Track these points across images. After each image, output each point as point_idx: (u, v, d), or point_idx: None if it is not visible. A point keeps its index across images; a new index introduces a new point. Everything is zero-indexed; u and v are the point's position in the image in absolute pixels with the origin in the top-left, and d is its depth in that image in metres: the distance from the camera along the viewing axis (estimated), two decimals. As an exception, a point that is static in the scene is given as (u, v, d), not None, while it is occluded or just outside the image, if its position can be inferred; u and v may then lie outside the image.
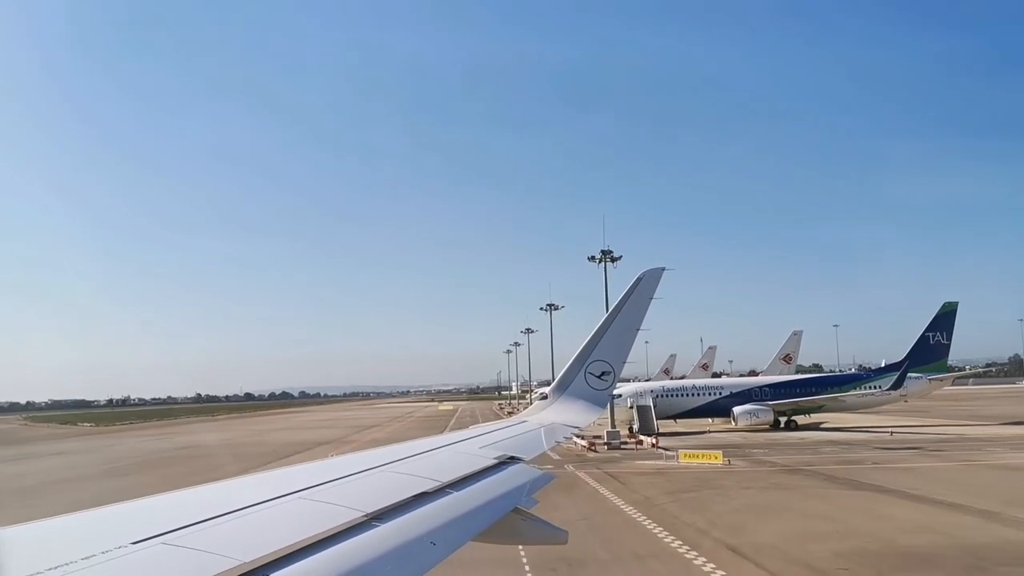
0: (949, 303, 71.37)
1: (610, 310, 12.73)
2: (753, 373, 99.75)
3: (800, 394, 68.54)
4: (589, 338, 12.41)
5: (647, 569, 19.88)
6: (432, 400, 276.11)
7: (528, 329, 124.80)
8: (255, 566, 3.39)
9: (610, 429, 55.25)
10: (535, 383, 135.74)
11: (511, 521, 5.90)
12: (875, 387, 68.63)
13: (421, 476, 5.76)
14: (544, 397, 13.28)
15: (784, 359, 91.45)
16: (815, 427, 66.34)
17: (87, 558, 3.18)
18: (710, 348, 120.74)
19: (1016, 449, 45.11)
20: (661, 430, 60.40)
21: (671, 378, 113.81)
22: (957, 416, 73.56)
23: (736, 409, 65.51)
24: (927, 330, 70.91)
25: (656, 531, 24.19)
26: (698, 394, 69.03)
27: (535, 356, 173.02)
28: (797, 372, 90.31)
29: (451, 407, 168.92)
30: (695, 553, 20.78)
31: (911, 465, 39.89)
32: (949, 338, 70.87)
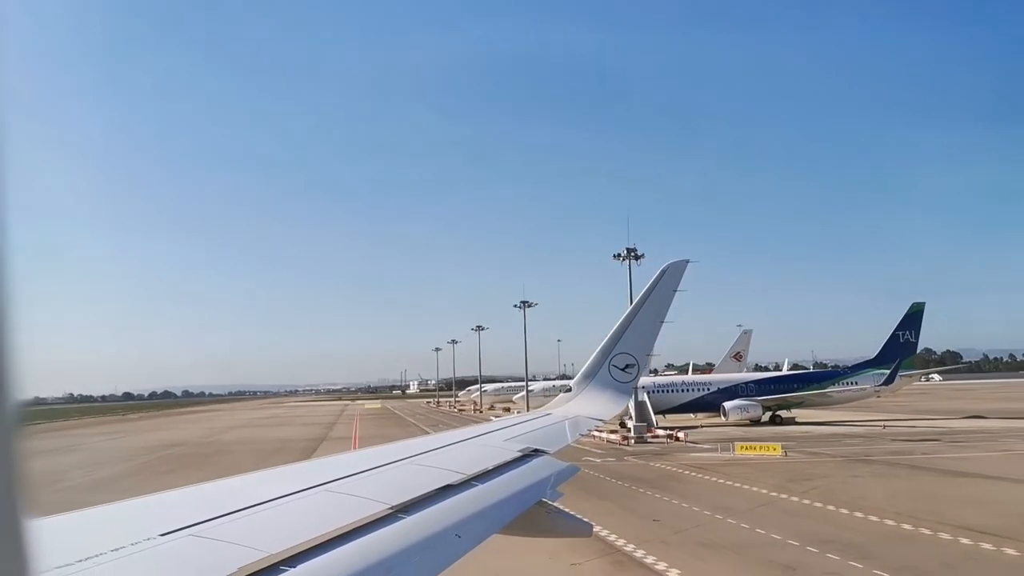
0: (917, 303, 73.89)
1: (634, 302, 12.66)
2: (708, 369, 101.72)
3: (784, 390, 70.27)
4: (613, 330, 12.35)
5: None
6: (339, 399, 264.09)
7: (479, 327, 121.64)
8: (282, 558, 3.41)
9: (636, 423, 55.22)
10: (499, 383, 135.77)
11: (536, 514, 5.89)
12: (852, 382, 71.03)
13: (446, 469, 5.76)
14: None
15: (735, 356, 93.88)
16: (803, 422, 66.43)
17: (116, 550, 3.21)
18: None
19: None
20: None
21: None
22: (923, 411, 74.93)
23: (727, 404, 66.36)
24: (897, 329, 73.46)
25: (842, 512, 25.01)
26: (687, 390, 70.22)
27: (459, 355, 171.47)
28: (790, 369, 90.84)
29: (378, 405, 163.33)
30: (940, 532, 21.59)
31: (961, 455, 40.27)
32: (917, 336, 73.83)
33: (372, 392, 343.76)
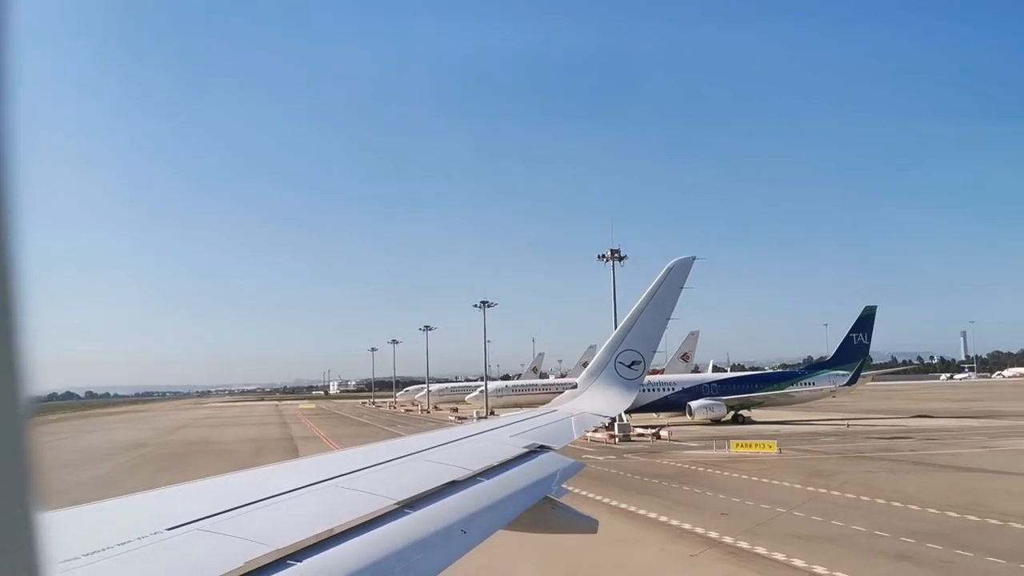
0: (869, 307, 76.42)
1: (640, 299, 12.63)
2: (655, 371, 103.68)
3: (746, 390, 71.82)
4: (619, 327, 12.33)
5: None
6: (261, 400, 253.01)
7: (427, 326, 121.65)
8: (288, 552, 3.41)
9: (621, 422, 55.45)
10: (465, 383, 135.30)
11: (541, 510, 5.89)
12: (810, 383, 73.50)
13: (452, 464, 5.77)
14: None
15: (682, 357, 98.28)
16: (762, 421, 67.32)
17: (123, 544, 3.22)
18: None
19: (994, 438, 47.28)
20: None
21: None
22: (868, 410, 76.20)
23: (693, 404, 67.26)
24: (851, 331, 75.73)
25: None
26: (654, 389, 70.63)
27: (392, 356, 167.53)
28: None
29: (313, 406, 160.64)
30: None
31: (950, 452, 41.09)
32: (869, 338, 75.69)
33: (290, 393, 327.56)
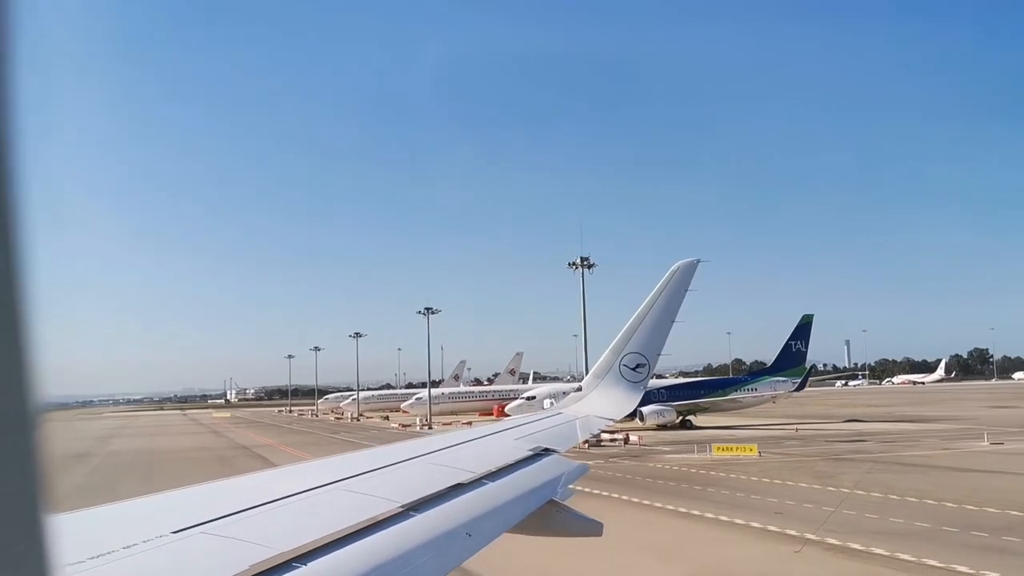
0: (807, 315, 79.22)
1: (645, 302, 12.63)
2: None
3: (693, 396, 73.23)
4: (624, 330, 12.32)
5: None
6: (160, 409, 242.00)
7: (357, 333, 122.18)
8: (293, 555, 3.42)
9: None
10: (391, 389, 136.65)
11: (546, 513, 5.88)
12: (752, 388, 75.87)
13: (456, 467, 5.77)
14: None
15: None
16: (707, 427, 68.33)
17: (128, 547, 3.23)
18: (517, 354, 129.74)
19: (947, 440, 49.92)
20: None
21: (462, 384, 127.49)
22: (799, 415, 77.21)
23: (645, 409, 67.60)
24: (789, 339, 78.28)
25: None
26: None
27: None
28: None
29: (227, 414, 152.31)
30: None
31: (922, 453, 43.09)
32: (806, 346, 78.62)
33: (183, 402, 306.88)
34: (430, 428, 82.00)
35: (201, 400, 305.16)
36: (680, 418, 70.28)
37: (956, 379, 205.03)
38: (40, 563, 1.37)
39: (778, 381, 75.11)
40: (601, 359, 12.32)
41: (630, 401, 11.82)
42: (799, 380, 76.20)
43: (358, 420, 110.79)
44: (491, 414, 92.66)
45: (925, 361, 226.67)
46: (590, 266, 58.80)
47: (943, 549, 19.05)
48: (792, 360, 76.86)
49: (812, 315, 79.31)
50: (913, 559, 18.14)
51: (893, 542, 19.78)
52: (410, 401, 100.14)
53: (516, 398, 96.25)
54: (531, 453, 6.91)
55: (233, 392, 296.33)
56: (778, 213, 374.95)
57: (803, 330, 78.36)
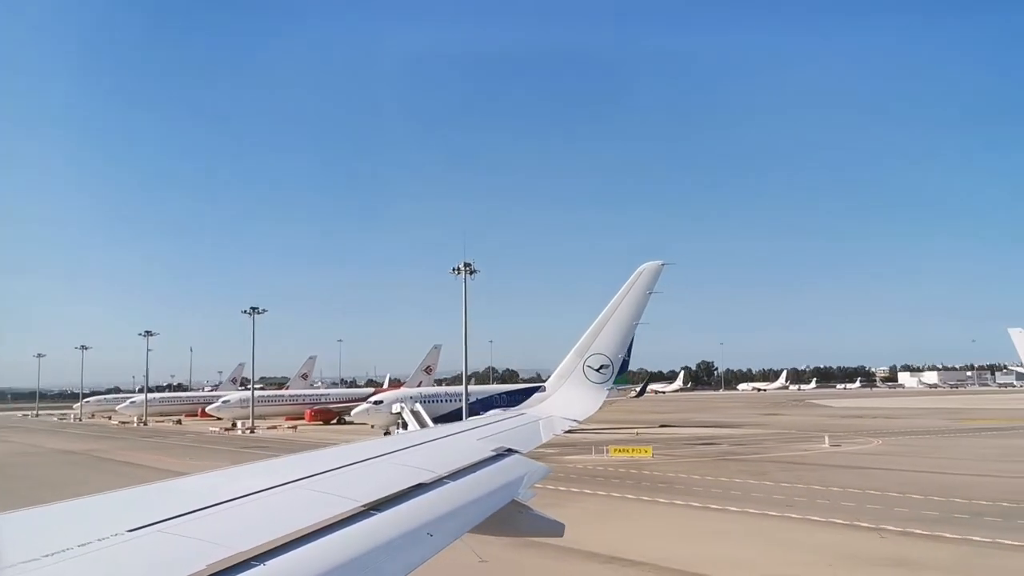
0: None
1: (609, 304, 12.72)
2: (398, 383, 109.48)
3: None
4: (588, 331, 12.40)
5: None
6: None
7: (148, 332, 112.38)
8: (252, 555, 3.39)
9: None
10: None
11: (508, 513, 5.91)
12: None
13: (418, 467, 5.76)
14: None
15: (425, 370, 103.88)
16: (568, 431, 70.63)
17: (83, 545, 3.18)
18: (310, 358, 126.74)
19: (788, 442, 54.45)
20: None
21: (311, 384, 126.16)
22: (613, 420, 79.39)
23: (490, 414, 69.56)
24: None
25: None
26: (450, 400, 75.33)
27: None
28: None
29: None
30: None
31: (779, 454, 47.12)
32: (629, 354, 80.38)
33: None
34: (251, 431, 79.69)
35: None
36: None
37: (690, 389, 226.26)
38: None
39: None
40: (565, 360, 12.39)
41: (595, 401, 11.90)
42: (630, 386, 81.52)
43: (145, 425, 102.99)
44: (302, 418, 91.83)
45: (661, 372, 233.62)
46: (472, 272, 60.42)
47: (997, 532, 22.10)
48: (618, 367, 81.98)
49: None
50: (928, 533, 22.23)
51: (936, 527, 22.92)
52: (216, 404, 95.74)
53: (318, 404, 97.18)
54: (494, 454, 6.93)
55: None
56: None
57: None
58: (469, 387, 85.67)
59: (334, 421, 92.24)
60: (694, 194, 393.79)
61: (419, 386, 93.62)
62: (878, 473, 36.39)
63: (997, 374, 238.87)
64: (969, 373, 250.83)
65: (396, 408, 67.33)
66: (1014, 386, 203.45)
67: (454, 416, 72.83)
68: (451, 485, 5.50)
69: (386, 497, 4.71)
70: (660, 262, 12.81)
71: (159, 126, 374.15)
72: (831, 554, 20.06)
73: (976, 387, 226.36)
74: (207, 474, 5.45)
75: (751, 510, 26.15)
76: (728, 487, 31.80)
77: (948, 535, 21.60)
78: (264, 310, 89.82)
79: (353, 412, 72.05)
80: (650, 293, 12.57)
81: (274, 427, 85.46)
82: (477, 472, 6.14)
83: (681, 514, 26.24)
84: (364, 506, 4.44)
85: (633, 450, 45.82)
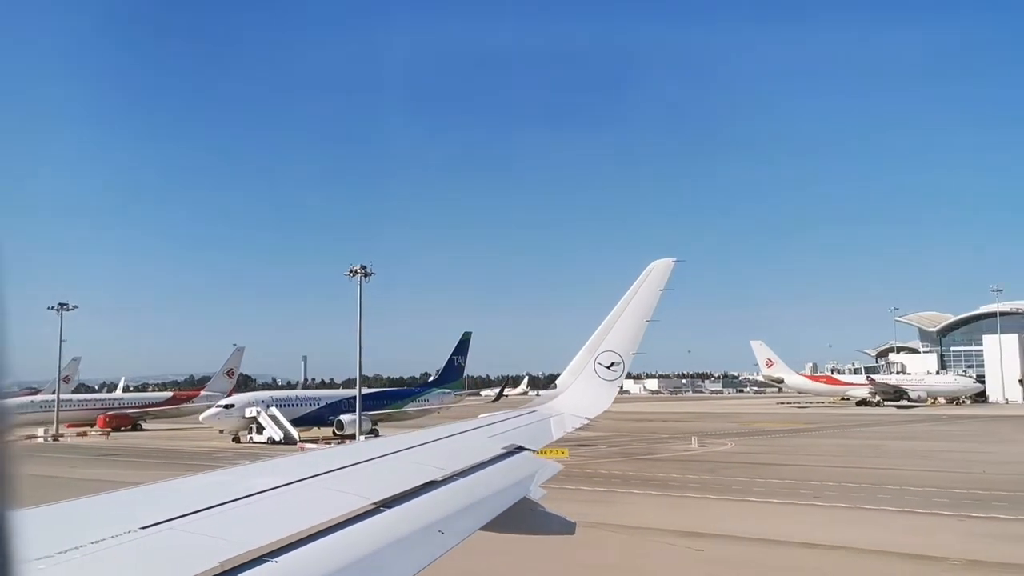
0: (466, 332, 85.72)
1: (620, 301, 12.68)
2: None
3: (380, 406, 75.67)
4: (599, 328, 12.36)
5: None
6: None
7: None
8: (265, 552, 3.40)
9: (285, 434, 58.86)
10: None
11: (519, 511, 5.90)
12: (425, 400, 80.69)
13: (430, 465, 5.77)
14: None
15: (227, 373, 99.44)
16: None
17: (96, 542, 3.19)
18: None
19: (659, 443, 56.67)
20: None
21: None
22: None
23: (343, 418, 69.14)
24: (452, 354, 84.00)
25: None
26: (303, 404, 73.84)
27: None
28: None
29: None
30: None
31: (672, 452, 49.43)
32: (465, 360, 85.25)
33: None
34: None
35: None
36: (372, 427, 70.27)
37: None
38: (3, 559, 1.36)
39: (444, 393, 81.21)
40: (576, 357, 12.35)
41: (606, 399, 11.86)
42: (454, 392, 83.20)
43: None
44: (91, 425, 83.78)
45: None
46: (367, 275, 60.90)
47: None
48: (455, 373, 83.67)
49: (471, 332, 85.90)
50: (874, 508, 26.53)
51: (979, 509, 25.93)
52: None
53: (111, 409, 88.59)
54: (504, 451, 6.93)
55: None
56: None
57: (463, 346, 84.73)
58: (321, 391, 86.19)
59: (128, 428, 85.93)
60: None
61: (231, 392, 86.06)
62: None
63: (706, 381, 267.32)
64: (684, 380, 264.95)
65: (250, 412, 65.57)
66: (722, 393, 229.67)
67: (309, 420, 72.24)
68: (462, 482, 5.51)
69: (397, 494, 4.71)
70: (673, 259, 12.75)
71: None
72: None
73: (691, 393, 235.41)
74: (219, 472, 5.48)
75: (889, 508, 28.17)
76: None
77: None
78: (75, 306, 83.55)
79: (202, 416, 68.68)
80: (661, 290, 12.51)
81: (83, 433, 79.30)
82: (488, 469, 6.14)
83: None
84: (376, 503, 4.44)
85: (550, 452, 44.58)
